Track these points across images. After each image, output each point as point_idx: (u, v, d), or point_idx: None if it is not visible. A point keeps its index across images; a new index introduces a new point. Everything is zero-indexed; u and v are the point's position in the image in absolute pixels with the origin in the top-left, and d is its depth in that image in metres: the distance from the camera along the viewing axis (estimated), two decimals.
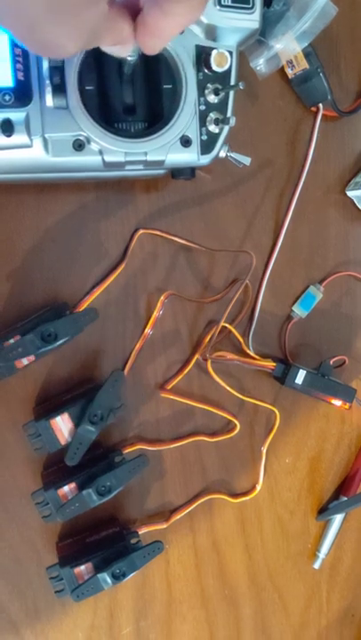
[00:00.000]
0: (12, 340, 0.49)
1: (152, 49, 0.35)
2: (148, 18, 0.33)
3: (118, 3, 0.33)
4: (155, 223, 0.57)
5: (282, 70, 0.58)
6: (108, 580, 0.52)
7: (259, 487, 0.61)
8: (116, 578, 0.52)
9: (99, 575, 0.52)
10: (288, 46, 0.55)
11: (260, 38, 0.54)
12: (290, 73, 0.58)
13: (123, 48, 0.35)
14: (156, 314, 0.57)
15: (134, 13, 0.34)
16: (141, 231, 0.56)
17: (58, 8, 0.28)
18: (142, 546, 0.54)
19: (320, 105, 0.59)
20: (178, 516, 0.59)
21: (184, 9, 0.31)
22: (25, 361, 0.50)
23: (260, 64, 0.55)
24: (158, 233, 0.57)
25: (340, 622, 0.65)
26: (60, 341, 0.49)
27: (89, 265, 0.56)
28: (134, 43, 0.35)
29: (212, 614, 0.61)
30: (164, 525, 0.58)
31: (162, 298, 0.57)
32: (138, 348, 0.57)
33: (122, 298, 0.57)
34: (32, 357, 0.50)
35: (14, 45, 0.44)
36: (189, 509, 0.59)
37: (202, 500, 0.60)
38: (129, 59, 0.42)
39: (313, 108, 0.60)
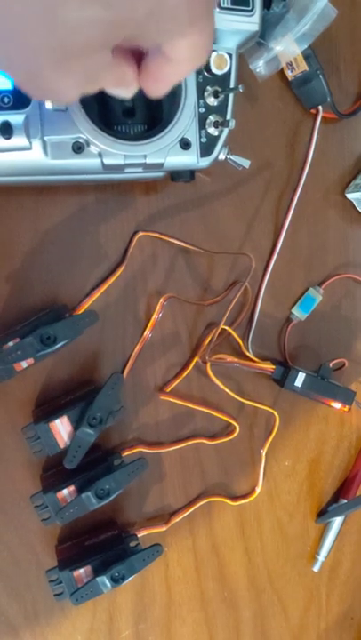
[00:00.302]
0: (10, 343, 0.48)
1: (155, 93, 0.34)
2: (151, 64, 0.32)
3: (122, 48, 0.32)
4: (154, 225, 0.57)
5: (281, 72, 0.58)
6: (108, 583, 0.52)
7: (258, 490, 0.61)
8: (116, 581, 0.52)
9: (98, 578, 0.52)
10: (288, 48, 0.54)
11: (259, 40, 0.54)
12: (289, 75, 0.58)
13: (126, 90, 0.35)
14: (155, 316, 0.57)
15: (138, 57, 0.33)
16: (141, 233, 0.56)
17: (60, 58, 0.27)
18: (142, 549, 0.54)
19: (320, 107, 0.59)
20: (177, 519, 0.59)
21: (188, 56, 0.31)
22: (24, 364, 0.50)
23: (260, 66, 0.55)
24: (157, 235, 0.57)
25: (340, 625, 0.65)
26: (60, 344, 0.49)
27: (88, 267, 0.56)
28: (138, 85, 0.34)
29: (212, 617, 0.61)
30: (164, 528, 0.58)
31: (161, 300, 0.57)
32: (137, 351, 0.57)
33: (121, 300, 0.57)
34: (31, 360, 0.49)
35: None
36: (189, 512, 0.59)
37: (201, 502, 0.60)
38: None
39: (312, 110, 0.60)
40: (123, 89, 0.35)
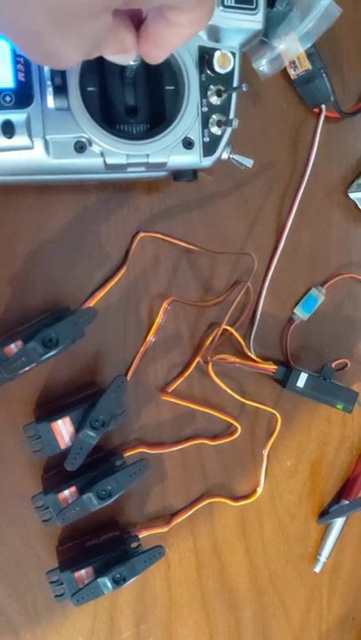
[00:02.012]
0: (13, 346, 0.48)
1: (155, 59, 0.34)
2: (151, 28, 0.32)
3: (122, 13, 0.32)
4: (156, 225, 0.57)
5: (284, 71, 0.58)
6: (109, 584, 0.51)
7: (260, 490, 0.61)
8: (117, 582, 0.52)
9: (99, 580, 0.51)
10: (291, 47, 0.54)
11: (262, 39, 0.53)
12: (292, 74, 0.58)
13: (126, 57, 0.35)
14: (158, 320, 0.57)
15: (138, 22, 0.33)
16: (142, 234, 0.56)
17: (61, 20, 0.27)
18: (143, 550, 0.54)
19: (323, 106, 0.59)
20: (178, 520, 0.59)
21: (189, 20, 0.31)
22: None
23: (263, 65, 0.55)
24: (159, 236, 0.57)
25: (341, 626, 0.65)
26: (62, 346, 0.49)
27: (90, 267, 0.55)
28: (137, 52, 0.34)
29: (213, 618, 0.61)
30: (165, 529, 0.58)
31: (164, 305, 0.56)
32: (141, 354, 0.57)
33: (123, 301, 0.56)
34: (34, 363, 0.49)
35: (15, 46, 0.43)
36: (190, 513, 0.59)
37: (202, 503, 0.59)
38: (131, 63, 0.41)
39: (315, 109, 0.60)
40: (122, 55, 0.34)
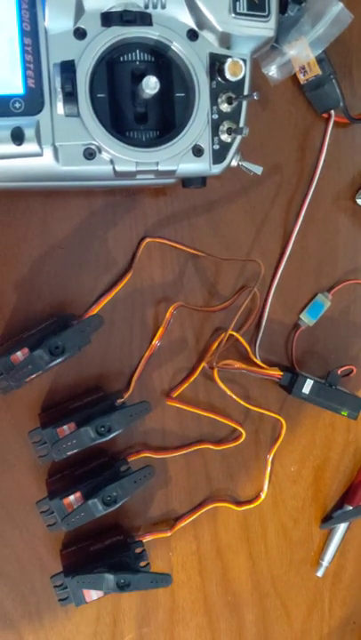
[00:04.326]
0: (19, 353, 0.48)
1: None
2: None
3: None
4: (163, 230, 0.57)
5: (294, 76, 0.57)
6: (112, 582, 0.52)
7: (263, 495, 0.61)
8: (121, 588, 0.52)
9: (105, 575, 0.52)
10: (301, 53, 0.54)
11: (273, 44, 0.53)
12: (302, 79, 0.57)
13: None
14: (164, 326, 0.56)
15: None
16: (148, 240, 0.56)
17: None
18: (147, 561, 0.54)
19: (332, 111, 0.58)
20: (182, 524, 0.59)
21: None
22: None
23: (273, 70, 0.55)
24: (165, 241, 0.56)
25: (342, 630, 0.65)
26: (68, 354, 0.49)
27: (97, 273, 0.55)
28: None
29: (215, 621, 0.61)
30: (169, 534, 0.58)
31: (170, 309, 0.56)
32: (146, 358, 0.57)
33: (129, 306, 0.56)
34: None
35: (25, 52, 0.43)
36: (193, 517, 0.59)
37: (206, 508, 0.59)
38: (148, 91, 0.42)
39: (324, 115, 0.59)
40: None
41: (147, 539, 0.57)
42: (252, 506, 0.61)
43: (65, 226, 0.54)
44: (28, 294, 0.54)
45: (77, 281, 0.55)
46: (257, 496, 0.61)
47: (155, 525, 0.59)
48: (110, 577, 0.51)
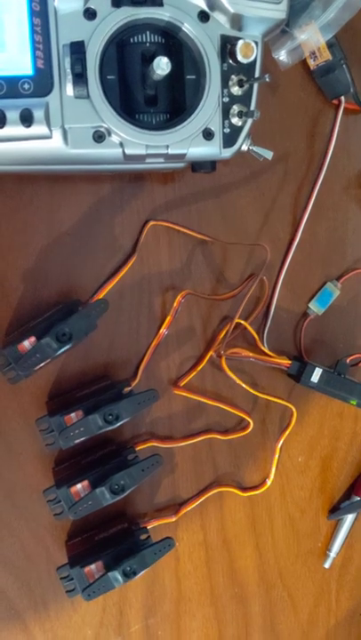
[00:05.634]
0: (26, 343, 0.47)
1: None
2: None
3: None
4: (171, 215, 0.56)
5: (304, 61, 0.57)
6: (119, 578, 0.51)
7: (269, 482, 0.60)
8: (127, 576, 0.51)
9: (109, 574, 0.51)
10: (312, 37, 0.53)
11: (284, 28, 0.52)
12: (312, 64, 0.57)
13: None
14: (172, 314, 0.56)
15: None
16: (152, 223, 0.55)
17: None
18: (153, 543, 0.53)
19: (342, 98, 0.58)
20: (187, 509, 0.58)
21: None
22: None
23: (283, 54, 0.54)
24: (168, 224, 0.56)
25: (349, 621, 0.65)
26: (76, 340, 0.48)
27: (103, 259, 0.55)
28: None
29: (221, 612, 0.61)
30: (173, 519, 0.57)
31: (179, 297, 0.56)
32: (153, 346, 0.56)
33: (136, 293, 0.56)
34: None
35: (34, 32, 0.42)
36: (199, 502, 0.59)
37: (211, 492, 0.59)
38: (159, 72, 0.41)
39: (335, 101, 0.59)
40: None
41: (152, 524, 0.56)
42: (257, 492, 0.60)
43: (72, 212, 0.54)
44: (35, 281, 0.53)
45: (84, 267, 0.54)
46: (263, 482, 0.61)
47: (159, 511, 0.58)
48: (115, 573, 0.50)
